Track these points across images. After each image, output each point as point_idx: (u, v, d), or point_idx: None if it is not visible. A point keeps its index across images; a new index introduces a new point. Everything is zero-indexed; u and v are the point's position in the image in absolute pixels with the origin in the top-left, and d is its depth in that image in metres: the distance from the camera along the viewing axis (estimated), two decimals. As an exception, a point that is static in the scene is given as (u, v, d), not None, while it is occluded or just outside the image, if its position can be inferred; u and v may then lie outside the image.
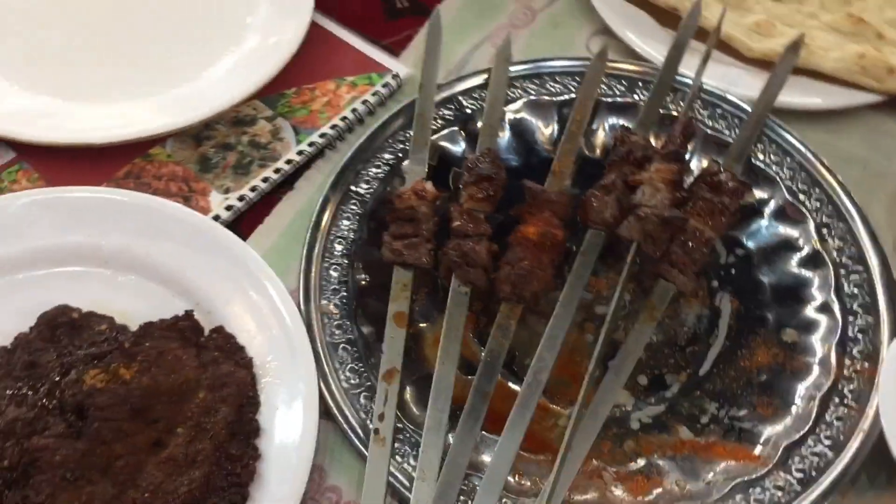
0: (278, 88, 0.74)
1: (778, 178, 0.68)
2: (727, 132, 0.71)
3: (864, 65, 0.74)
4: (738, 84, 0.74)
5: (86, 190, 0.64)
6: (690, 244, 0.63)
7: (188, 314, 0.60)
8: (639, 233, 0.62)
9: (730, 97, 0.72)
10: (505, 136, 0.71)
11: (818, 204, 0.67)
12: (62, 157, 0.69)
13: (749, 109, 0.71)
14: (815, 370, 0.61)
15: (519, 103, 0.72)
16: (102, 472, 0.53)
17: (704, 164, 0.70)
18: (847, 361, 0.61)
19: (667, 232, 0.62)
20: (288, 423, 0.57)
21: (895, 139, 0.74)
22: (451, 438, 0.57)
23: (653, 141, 0.69)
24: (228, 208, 0.68)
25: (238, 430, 0.56)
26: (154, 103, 0.71)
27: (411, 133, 0.70)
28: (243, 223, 0.67)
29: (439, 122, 0.71)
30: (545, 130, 0.72)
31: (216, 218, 0.66)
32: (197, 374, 0.57)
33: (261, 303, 0.60)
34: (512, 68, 0.73)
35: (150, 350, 0.57)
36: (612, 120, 0.72)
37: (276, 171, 0.70)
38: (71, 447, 0.53)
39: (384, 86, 0.74)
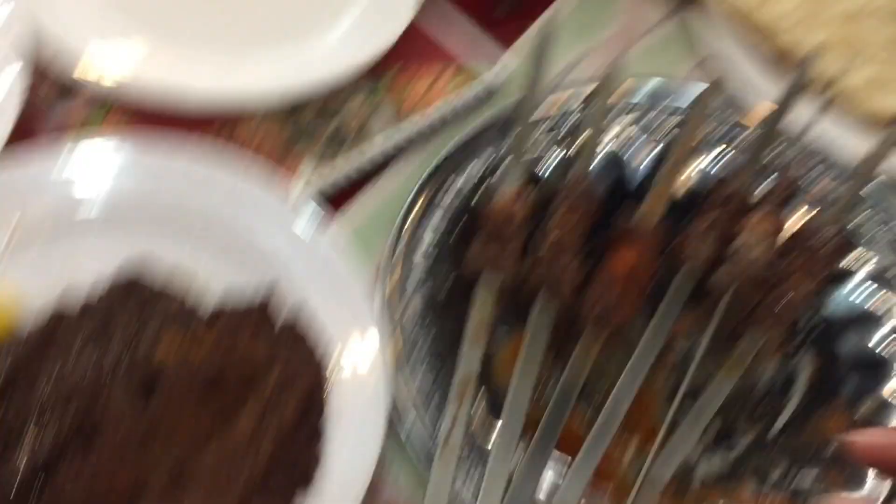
0: (382, 65, 0.71)
1: (875, 241, 0.66)
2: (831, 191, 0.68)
3: None
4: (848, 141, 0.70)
5: (176, 153, 0.63)
6: (784, 300, 0.61)
7: (266, 298, 0.59)
8: (733, 280, 0.60)
9: (835, 156, 0.69)
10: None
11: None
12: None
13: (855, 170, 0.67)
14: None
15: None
16: (164, 446, 0.52)
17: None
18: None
19: (761, 288, 0.60)
20: (352, 433, 0.56)
21: None
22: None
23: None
24: (318, 182, 0.66)
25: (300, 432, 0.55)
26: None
27: (510, 135, 0.66)
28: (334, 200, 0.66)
29: (540, 130, 0.69)
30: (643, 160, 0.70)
31: (305, 189, 0.64)
32: (269, 360, 0.56)
33: (342, 299, 0.59)
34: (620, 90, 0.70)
35: (224, 329, 0.56)
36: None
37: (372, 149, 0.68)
38: (135, 420, 0.52)
39: (489, 78, 0.72)
